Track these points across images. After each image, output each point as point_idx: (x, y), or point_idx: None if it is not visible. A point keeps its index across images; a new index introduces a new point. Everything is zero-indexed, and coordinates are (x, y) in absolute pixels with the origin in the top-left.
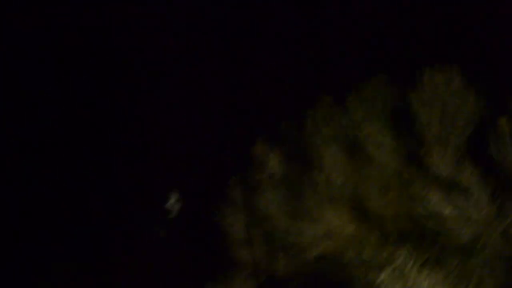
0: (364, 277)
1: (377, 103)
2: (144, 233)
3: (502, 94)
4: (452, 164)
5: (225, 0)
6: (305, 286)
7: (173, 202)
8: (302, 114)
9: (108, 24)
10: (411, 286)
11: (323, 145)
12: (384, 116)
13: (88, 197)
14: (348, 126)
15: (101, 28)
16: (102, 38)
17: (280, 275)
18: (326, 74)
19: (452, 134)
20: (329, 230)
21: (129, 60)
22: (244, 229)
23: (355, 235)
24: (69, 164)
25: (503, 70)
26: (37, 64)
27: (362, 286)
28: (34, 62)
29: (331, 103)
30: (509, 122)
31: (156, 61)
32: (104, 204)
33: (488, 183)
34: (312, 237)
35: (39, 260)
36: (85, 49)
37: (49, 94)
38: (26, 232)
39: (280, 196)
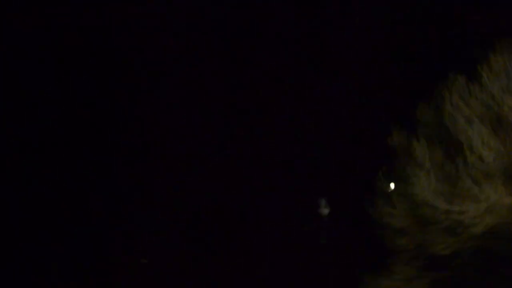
0: None
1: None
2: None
3: None
4: None
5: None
6: (470, 265)
7: (323, 207)
8: (436, 95)
9: (108, 24)
10: None
11: (466, 124)
12: None
13: (88, 197)
14: (487, 101)
15: (101, 28)
16: (102, 38)
17: (442, 256)
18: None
19: None
20: (489, 205)
21: (129, 60)
22: (400, 217)
23: None
24: (69, 164)
25: None
26: (37, 64)
27: None
28: (34, 62)
29: (466, 80)
30: None
31: (156, 62)
32: (104, 204)
33: None
34: (474, 215)
35: (39, 260)
36: (85, 49)
37: (49, 94)
38: (26, 232)
39: (433, 180)
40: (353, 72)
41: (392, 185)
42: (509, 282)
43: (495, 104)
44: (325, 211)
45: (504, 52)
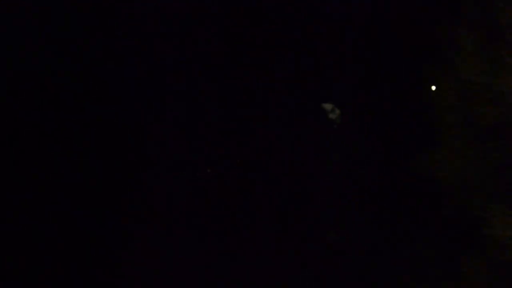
0: None
1: None
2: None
3: None
4: None
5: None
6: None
7: (332, 111)
8: None
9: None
10: None
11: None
12: None
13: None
14: None
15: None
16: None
17: (485, 127)
18: None
19: None
20: None
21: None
22: (446, 96)
23: None
24: (70, 164)
25: None
26: (37, 63)
27: None
28: (33, 61)
29: None
30: None
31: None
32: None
33: None
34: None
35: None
36: (85, 49)
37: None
38: (26, 232)
39: (476, 61)
40: None
41: (433, 87)
42: None
43: None
44: (335, 113)
45: None
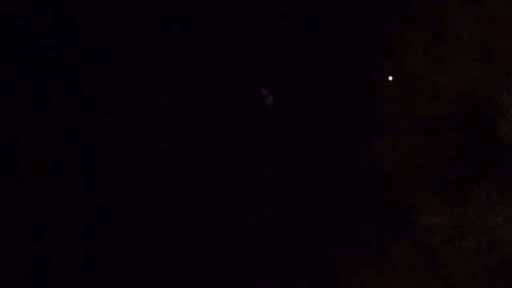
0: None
1: None
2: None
3: None
4: None
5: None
6: (445, 127)
7: (266, 96)
8: None
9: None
10: None
11: (452, 7)
12: None
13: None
14: None
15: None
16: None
17: (424, 120)
18: None
19: None
20: (461, 75)
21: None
22: (390, 87)
23: (482, 74)
24: (70, 164)
25: None
26: (37, 63)
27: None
28: (34, 60)
29: None
30: None
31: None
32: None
33: None
34: (447, 82)
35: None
36: (85, 49)
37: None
38: (26, 232)
39: (420, 57)
40: None
41: (390, 78)
42: (474, 140)
43: None
44: (269, 98)
45: None
